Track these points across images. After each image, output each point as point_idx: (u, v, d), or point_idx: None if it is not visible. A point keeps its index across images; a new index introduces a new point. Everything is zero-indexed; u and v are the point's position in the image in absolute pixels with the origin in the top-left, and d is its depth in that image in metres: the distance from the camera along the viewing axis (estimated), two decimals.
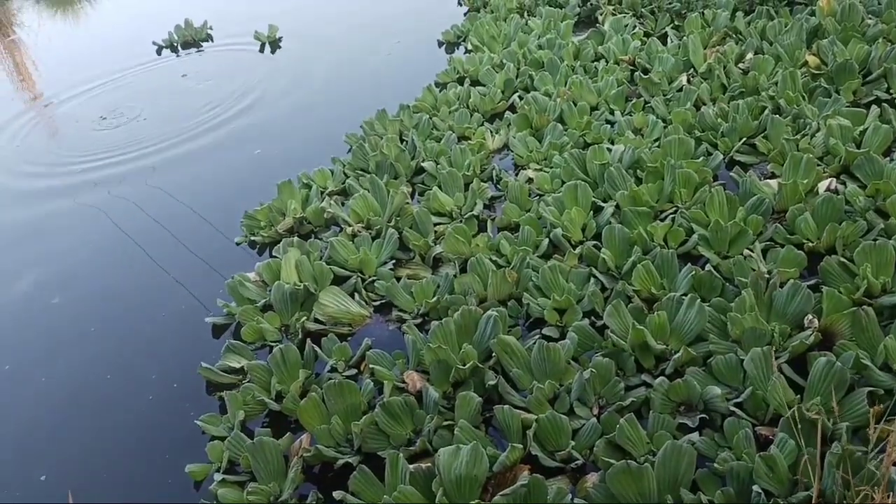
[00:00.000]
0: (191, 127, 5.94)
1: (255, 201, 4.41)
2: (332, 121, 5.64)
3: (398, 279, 3.59)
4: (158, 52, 8.02)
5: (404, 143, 4.76)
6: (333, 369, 3.19)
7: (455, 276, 3.51)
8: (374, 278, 3.66)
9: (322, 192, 4.43)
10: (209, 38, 8.21)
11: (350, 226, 4.03)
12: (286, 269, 3.69)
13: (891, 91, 4.12)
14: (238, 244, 4.27)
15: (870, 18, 4.77)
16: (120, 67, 7.64)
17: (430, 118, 4.99)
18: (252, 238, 4.24)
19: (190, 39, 8.11)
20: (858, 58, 4.34)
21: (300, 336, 3.42)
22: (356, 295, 3.58)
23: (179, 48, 8.04)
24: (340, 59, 6.99)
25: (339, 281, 3.65)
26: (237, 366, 3.30)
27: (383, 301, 3.56)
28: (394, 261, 3.80)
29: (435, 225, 3.96)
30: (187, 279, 4.08)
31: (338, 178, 4.55)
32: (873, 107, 3.99)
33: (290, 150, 5.37)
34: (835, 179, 3.62)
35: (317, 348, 3.25)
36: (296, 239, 3.96)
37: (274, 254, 3.94)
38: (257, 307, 3.59)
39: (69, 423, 3.27)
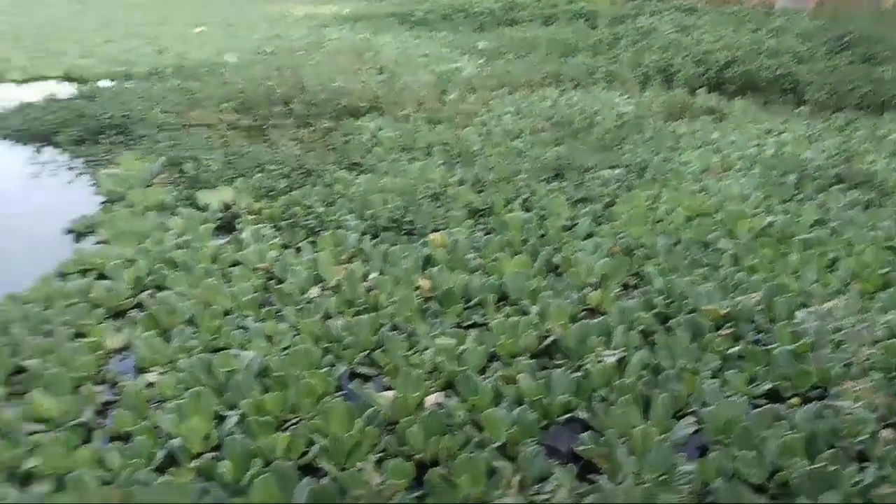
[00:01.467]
0: None
1: None
2: None
3: None
4: None
5: (6, 336, 4.23)
6: None
7: (48, 494, 3.08)
8: None
9: None
10: None
11: None
12: None
13: (485, 316, 4.77)
14: None
15: (471, 253, 5.59)
16: None
17: (42, 311, 4.55)
18: None
19: None
20: (460, 286, 5.00)
21: None
22: None
23: None
24: None
25: None
26: None
27: None
28: None
29: (31, 434, 3.49)
30: None
31: None
32: (472, 329, 4.58)
33: None
34: (441, 393, 4.00)
35: None
36: None
37: None
38: None
39: None
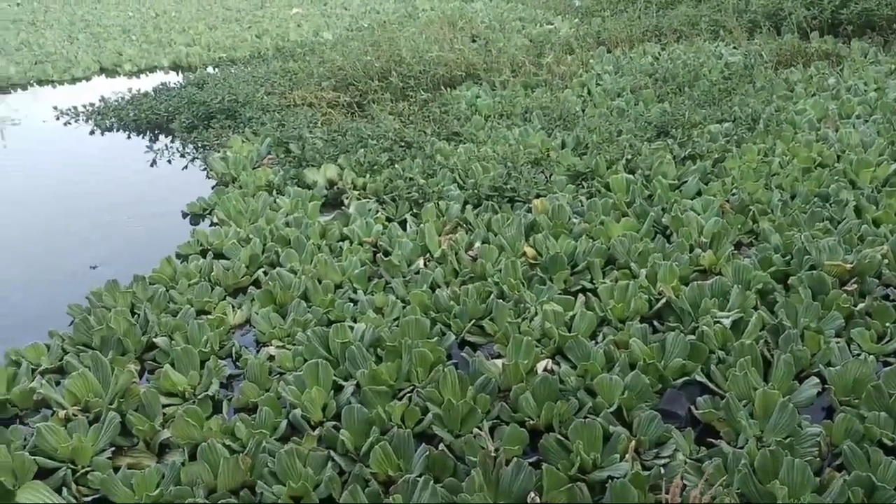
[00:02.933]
0: None
1: None
2: (55, 290, 5.22)
3: (117, 469, 3.26)
4: None
5: (136, 316, 4.50)
6: None
7: (183, 463, 3.27)
8: (89, 469, 3.29)
9: (34, 371, 4.00)
10: None
11: (64, 409, 3.64)
12: None
13: (594, 281, 4.70)
14: None
15: (575, 218, 5.51)
16: None
17: (167, 291, 4.81)
18: None
19: None
20: (567, 251, 4.94)
21: None
22: (64, 490, 3.18)
23: None
24: (71, 222, 6.58)
25: (44, 474, 3.24)
26: None
27: (97, 496, 3.20)
28: (113, 448, 3.46)
29: (165, 406, 3.71)
30: None
31: (55, 354, 4.15)
32: (580, 295, 4.52)
33: None
34: (550, 360, 3.98)
35: None
36: None
37: None
38: None
39: None
